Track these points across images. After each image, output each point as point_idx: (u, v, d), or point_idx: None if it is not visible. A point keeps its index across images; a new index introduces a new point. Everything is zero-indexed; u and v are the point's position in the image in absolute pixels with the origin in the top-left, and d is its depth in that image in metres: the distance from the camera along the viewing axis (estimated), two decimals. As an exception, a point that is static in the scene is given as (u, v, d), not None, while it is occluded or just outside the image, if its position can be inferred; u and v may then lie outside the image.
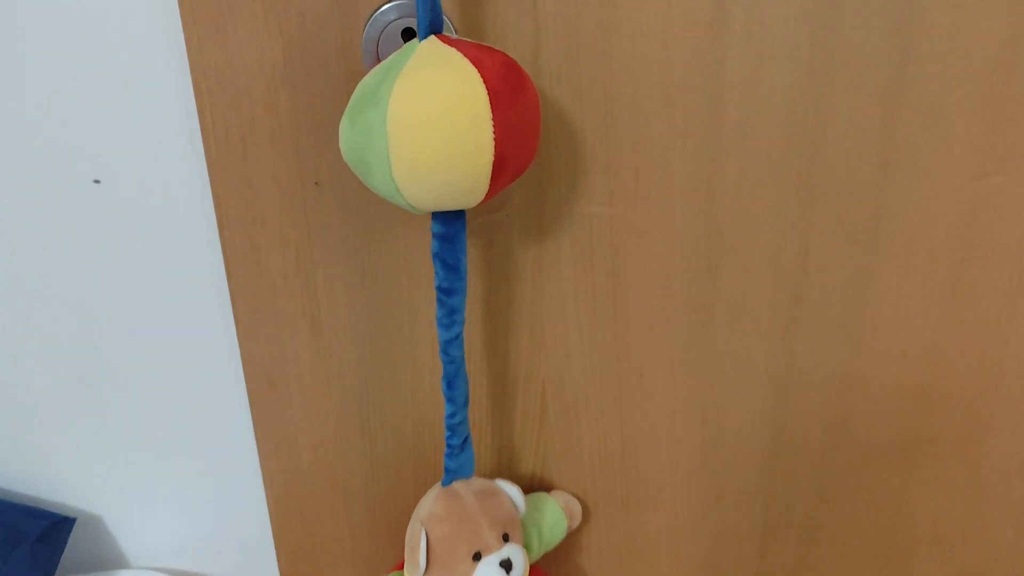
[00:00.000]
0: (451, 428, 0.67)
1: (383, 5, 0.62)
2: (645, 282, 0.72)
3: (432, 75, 0.53)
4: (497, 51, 0.56)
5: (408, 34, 0.63)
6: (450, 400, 0.66)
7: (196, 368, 0.80)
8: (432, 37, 0.56)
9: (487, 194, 0.56)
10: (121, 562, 0.91)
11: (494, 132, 0.53)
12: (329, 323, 0.74)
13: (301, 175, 0.69)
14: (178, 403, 0.82)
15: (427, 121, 0.52)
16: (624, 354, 0.74)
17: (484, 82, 0.53)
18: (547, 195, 0.69)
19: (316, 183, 0.69)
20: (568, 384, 0.76)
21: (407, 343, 0.75)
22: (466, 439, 0.69)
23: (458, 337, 0.64)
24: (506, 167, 0.55)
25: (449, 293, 0.62)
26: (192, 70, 0.66)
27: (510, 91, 0.54)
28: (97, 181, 0.73)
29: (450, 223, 0.60)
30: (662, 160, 0.67)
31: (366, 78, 0.57)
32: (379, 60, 0.63)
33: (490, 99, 0.53)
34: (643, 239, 0.70)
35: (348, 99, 0.66)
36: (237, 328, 0.75)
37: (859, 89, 0.63)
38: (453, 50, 0.54)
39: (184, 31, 0.65)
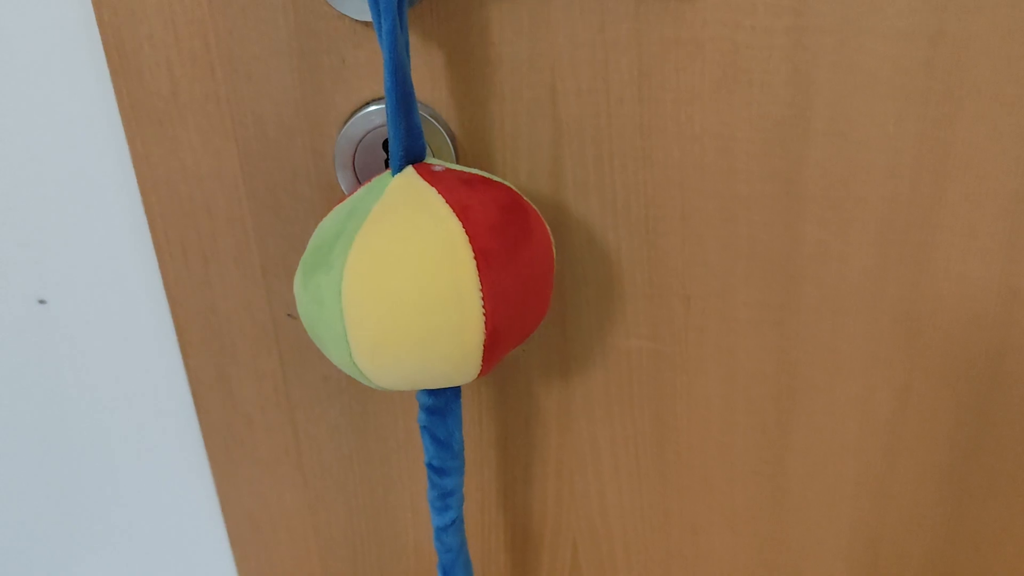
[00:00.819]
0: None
1: (359, 110, 0.49)
2: (700, 428, 0.57)
3: (399, 231, 0.40)
4: (494, 185, 0.43)
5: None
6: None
7: (171, 508, 0.69)
8: (409, 170, 0.42)
9: (480, 372, 0.42)
10: None
11: (483, 303, 0.40)
12: (314, 468, 0.62)
13: (270, 305, 0.56)
14: (154, 546, 0.71)
15: (391, 296, 0.39)
16: (674, 509, 0.61)
17: (469, 239, 0.40)
18: (573, 326, 0.55)
19: (288, 315, 0.56)
20: (604, 541, 0.62)
21: (407, 492, 0.62)
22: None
23: (454, 523, 0.51)
24: (502, 340, 0.42)
25: (441, 473, 0.49)
26: (139, 178, 0.53)
27: (506, 246, 0.41)
28: (43, 301, 0.61)
29: (439, 393, 0.47)
30: (720, 286, 0.53)
31: (326, 221, 0.43)
32: (356, 177, 0.50)
33: (477, 262, 0.40)
34: (696, 378, 0.56)
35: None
36: (211, 465, 0.63)
37: (978, 203, 0.48)
38: (432, 191, 0.41)
39: (126, 133, 0.53)
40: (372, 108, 0.49)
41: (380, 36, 0.40)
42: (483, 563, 0.64)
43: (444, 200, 0.41)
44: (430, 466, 0.49)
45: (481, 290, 0.40)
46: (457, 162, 0.50)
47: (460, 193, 0.41)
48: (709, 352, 0.55)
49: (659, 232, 0.52)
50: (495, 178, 0.44)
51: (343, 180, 0.50)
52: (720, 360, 0.55)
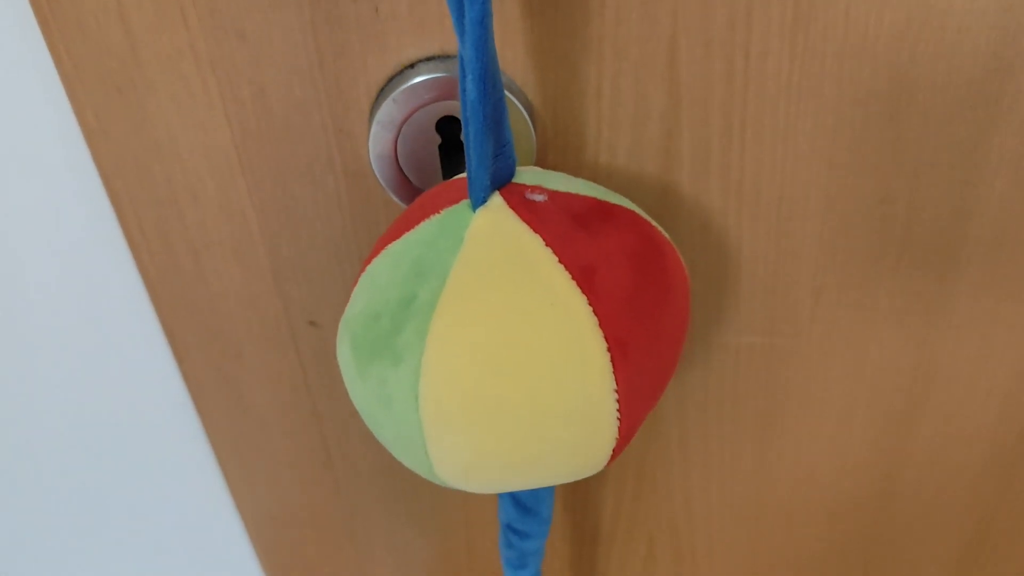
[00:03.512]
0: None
1: (400, 76, 0.35)
2: (812, 424, 0.48)
3: (501, 319, 0.28)
4: (616, 218, 0.30)
5: (449, 130, 0.36)
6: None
7: (182, 511, 0.59)
8: (498, 202, 0.29)
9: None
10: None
11: (618, 406, 0.29)
12: (347, 474, 0.52)
13: (287, 312, 0.44)
14: (167, 547, 0.61)
15: (492, 410, 0.28)
16: (770, 502, 0.52)
17: (600, 325, 0.28)
18: (672, 323, 0.44)
19: (311, 323, 0.44)
20: (685, 535, 0.54)
21: (460, 502, 0.52)
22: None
23: (537, 580, 0.41)
24: (634, 433, 0.31)
25: (523, 536, 0.39)
26: (96, 160, 0.39)
27: (645, 320, 0.29)
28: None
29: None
30: (862, 275, 0.42)
31: (380, 270, 0.31)
32: (400, 168, 0.37)
33: (612, 356, 0.28)
34: (816, 373, 0.46)
35: (348, 222, 0.40)
36: (221, 467, 0.53)
37: None
38: (538, 243, 0.28)
39: (71, 103, 0.38)
40: (420, 76, 0.34)
41: (461, 26, 0.26)
42: (545, 559, 0.56)
43: (558, 260, 0.28)
44: (508, 527, 0.39)
45: (616, 391, 0.28)
46: (536, 137, 0.37)
47: (578, 246, 0.28)
48: (836, 346, 0.45)
49: (794, 217, 0.40)
50: (613, 197, 0.32)
51: (382, 171, 0.37)
52: (847, 354, 0.45)
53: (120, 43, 0.36)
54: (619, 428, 0.29)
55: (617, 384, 0.28)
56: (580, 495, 0.52)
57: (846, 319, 0.43)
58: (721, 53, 0.35)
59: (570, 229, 0.29)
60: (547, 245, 0.28)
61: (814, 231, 0.40)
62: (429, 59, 0.35)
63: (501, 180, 0.30)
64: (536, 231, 0.29)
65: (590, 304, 0.28)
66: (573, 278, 0.28)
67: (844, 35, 0.35)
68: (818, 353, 0.45)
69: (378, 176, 0.37)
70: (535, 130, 0.36)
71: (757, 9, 0.34)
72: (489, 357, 0.27)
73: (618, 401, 0.28)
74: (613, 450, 0.30)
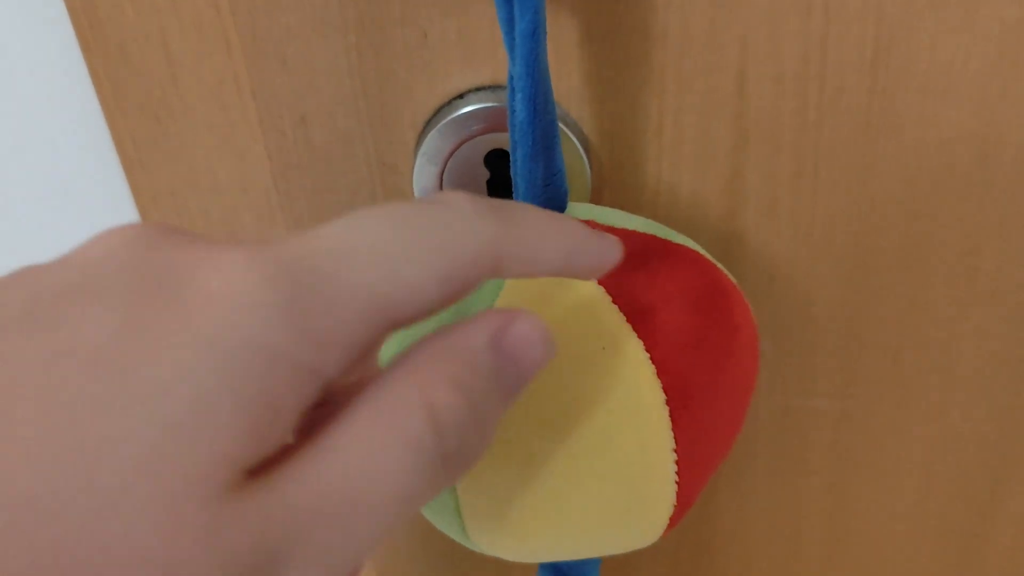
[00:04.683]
0: None
1: (448, 106, 0.33)
2: (887, 497, 0.44)
3: (550, 367, 0.25)
4: (676, 256, 0.28)
5: (498, 164, 0.34)
6: None
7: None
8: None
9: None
10: None
11: (677, 468, 0.25)
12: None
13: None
14: None
15: (536, 470, 0.25)
16: (837, 584, 0.48)
17: (658, 374, 0.25)
18: (734, 381, 0.41)
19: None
20: (744, 616, 0.50)
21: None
22: None
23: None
24: (693, 500, 0.28)
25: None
26: (134, 191, 0.38)
27: (708, 371, 0.26)
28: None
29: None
30: (946, 336, 0.38)
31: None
32: (446, 206, 0.35)
33: (671, 409, 0.25)
34: (891, 441, 0.42)
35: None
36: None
37: None
38: (599, 291, 0.26)
39: (111, 132, 0.37)
40: (469, 105, 0.33)
41: (511, 39, 0.24)
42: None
43: (611, 299, 0.25)
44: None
45: (675, 450, 0.25)
46: (591, 174, 0.34)
47: (635, 285, 0.26)
48: (914, 413, 0.41)
49: (870, 268, 0.36)
50: (673, 235, 0.29)
51: (425, 208, 0.35)
52: (926, 422, 0.41)
53: (161, 69, 0.34)
54: (677, 494, 0.26)
55: (676, 442, 0.25)
56: (629, 569, 0.49)
57: (926, 383, 0.40)
58: (793, 87, 0.32)
59: (625, 267, 0.26)
60: (600, 284, 0.26)
61: (891, 284, 0.37)
62: (479, 89, 0.33)
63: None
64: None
65: (647, 349, 0.25)
66: (628, 319, 0.25)
67: (928, 70, 0.32)
68: (894, 420, 0.41)
69: (422, 212, 0.35)
70: (590, 167, 0.34)
71: (833, 40, 0.31)
72: (532, 407, 0.25)
73: (677, 463, 0.25)
74: (669, 519, 0.27)
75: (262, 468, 0.16)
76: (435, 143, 0.33)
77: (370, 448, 0.16)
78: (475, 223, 0.19)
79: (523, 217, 0.20)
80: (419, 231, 0.18)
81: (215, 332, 0.15)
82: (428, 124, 0.34)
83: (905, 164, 0.34)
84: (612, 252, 0.23)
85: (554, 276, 0.22)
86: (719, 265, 0.29)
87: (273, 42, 0.33)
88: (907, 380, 0.40)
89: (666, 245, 0.28)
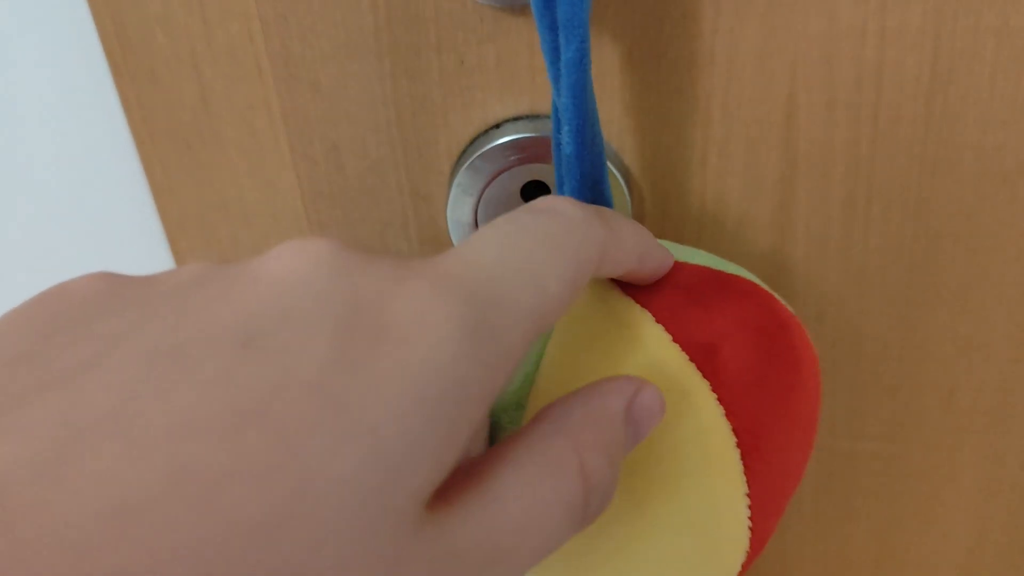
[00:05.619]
0: None
1: (485, 135, 0.32)
2: (937, 552, 0.42)
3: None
4: (733, 289, 0.26)
5: (535, 196, 0.33)
6: None
7: None
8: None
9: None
10: None
11: (750, 511, 0.24)
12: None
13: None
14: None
15: (600, 522, 0.23)
16: (884, 635, 0.45)
17: (727, 416, 0.23)
18: (778, 422, 0.39)
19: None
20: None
21: None
22: None
23: None
24: (764, 544, 0.26)
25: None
26: (163, 217, 0.37)
27: (776, 409, 0.24)
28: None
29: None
30: (1001, 378, 0.36)
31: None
32: (481, 238, 0.33)
33: (742, 453, 0.23)
34: (944, 488, 0.40)
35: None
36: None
37: None
38: (647, 320, 0.24)
39: (140, 157, 0.36)
40: (506, 136, 0.31)
41: (556, 69, 0.23)
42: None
43: (672, 338, 0.24)
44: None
45: (748, 494, 0.24)
46: (632, 206, 0.33)
47: (694, 321, 0.24)
48: (967, 458, 0.39)
49: (925, 306, 0.35)
50: (727, 266, 0.28)
51: (460, 240, 0.33)
52: (981, 468, 0.39)
53: (193, 94, 0.34)
54: (751, 539, 0.24)
55: (749, 486, 0.23)
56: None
57: (981, 426, 0.38)
58: (846, 116, 0.31)
59: (683, 302, 0.25)
60: (658, 321, 0.24)
61: (947, 323, 0.35)
62: (517, 118, 0.32)
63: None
64: (644, 306, 0.25)
65: (713, 390, 0.23)
66: (692, 359, 0.24)
67: (989, 100, 0.30)
68: (946, 465, 0.39)
69: (455, 245, 0.34)
70: (631, 198, 0.33)
71: (889, 67, 0.30)
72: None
73: (750, 507, 0.24)
74: (742, 566, 0.25)
75: (435, 502, 0.16)
76: (471, 174, 0.32)
77: (533, 503, 0.17)
78: (588, 230, 0.21)
79: (617, 220, 0.22)
80: (554, 245, 0.19)
81: (417, 370, 0.16)
82: (464, 154, 0.32)
83: (963, 198, 0.32)
84: (669, 257, 0.25)
85: (623, 275, 0.24)
86: (775, 294, 0.28)
87: (305, 67, 0.32)
88: (961, 423, 0.38)
89: (719, 276, 0.27)
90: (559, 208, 0.21)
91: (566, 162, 0.24)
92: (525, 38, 0.30)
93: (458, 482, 0.17)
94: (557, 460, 0.18)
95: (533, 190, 0.33)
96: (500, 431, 0.25)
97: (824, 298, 0.35)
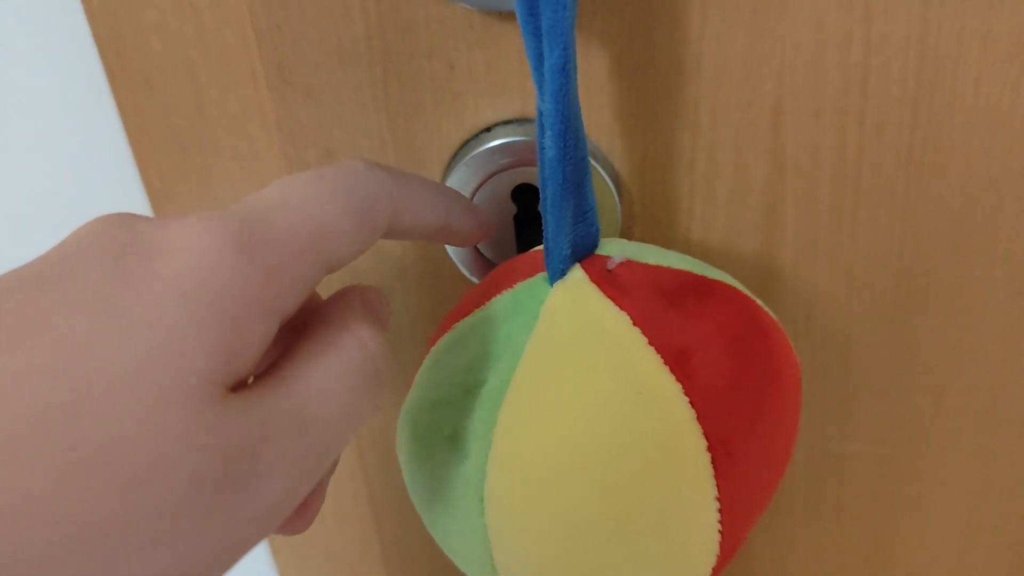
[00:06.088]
0: None
1: (475, 139, 0.32)
2: (929, 551, 0.42)
3: (581, 413, 0.24)
4: (710, 292, 0.27)
5: (526, 199, 0.33)
6: None
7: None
8: (578, 275, 0.26)
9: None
10: None
11: (720, 516, 0.24)
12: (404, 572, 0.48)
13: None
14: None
15: (570, 520, 0.24)
16: (877, 635, 0.46)
17: (698, 419, 0.24)
18: (769, 423, 0.39)
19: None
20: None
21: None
22: None
23: None
24: (735, 550, 0.26)
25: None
26: (156, 213, 0.38)
27: (749, 414, 0.25)
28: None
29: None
30: (992, 379, 0.37)
31: (444, 350, 0.28)
32: (475, 248, 0.34)
33: (713, 456, 0.24)
34: (934, 489, 0.40)
35: (414, 297, 0.37)
36: (275, 561, 0.50)
37: None
38: (624, 322, 0.25)
39: (136, 162, 0.37)
40: (496, 139, 0.32)
41: (540, 74, 0.23)
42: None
43: (647, 341, 0.24)
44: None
45: (718, 498, 0.24)
46: (621, 210, 0.33)
47: (671, 326, 0.25)
48: (958, 459, 0.39)
49: (913, 308, 0.35)
50: (710, 272, 0.28)
51: (460, 260, 0.34)
52: (971, 468, 0.39)
53: (188, 100, 0.34)
54: (720, 544, 0.25)
55: (719, 490, 0.24)
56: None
57: (971, 427, 0.38)
58: (832, 121, 0.31)
59: (661, 307, 0.25)
60: (635, 324, 0.25)
61: (936, 325, 0.35)
62: (507, 122, 0.32)
63: (583, 251, 0.27)
64: (622, 308, 0.25)
65: (686, 393, 0.24)
66: (665, 362, 0.24)
67: (974, 105, 0.31)
68: (937, 466, 0.39)
69: (447, 247, 0.34)
70: (620, 202, 0.33)
71: (875, 72, 0.30)
72: (566, 455, 0.24)
73: (720, 511, 0.24)
74: (712, 569, 0.25)
75: (239, 388, 0.20)
76: (462, 177, 0.32)
77: (326, 374, 0.21)
78: (372, 175, 0.24)
79: (410, 177, 0.26)
80: (332, 186, 0.23)
81: (183, 276, 0.19)
82: (455, 158, 0.33)
83: (950, 202, 0.32)
84: (487, 222, 0.29)
85: (436, 236, 0.27)
86: (758, 301, 0.28)
87: (299, 74, 0.32)
88: (951, 424, 0.38)
89: (702, 282, 0.27)
90: (346, 163, 0.24)
91: (549, 165, 0.24)
92: (514, 44, 0.31)
93: (267, 371, 0.21)
94: (337, 338, 0.22)
95: (524, 192, 0.33)
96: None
97: (813, 301, 0.35)
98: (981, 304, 0.35)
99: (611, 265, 0.26)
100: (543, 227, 0.26)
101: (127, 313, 0.18)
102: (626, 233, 0.34)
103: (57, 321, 0.18)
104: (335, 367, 0.21)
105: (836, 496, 0.41)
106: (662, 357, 0.24)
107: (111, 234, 0.20)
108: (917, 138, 0.31)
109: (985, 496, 0.40)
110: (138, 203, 0.38)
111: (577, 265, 0.26)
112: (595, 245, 0.27)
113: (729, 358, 0.25)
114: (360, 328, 0.22)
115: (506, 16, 0.30)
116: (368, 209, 0.23)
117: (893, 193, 0.33)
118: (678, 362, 0.24)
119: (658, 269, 0.27)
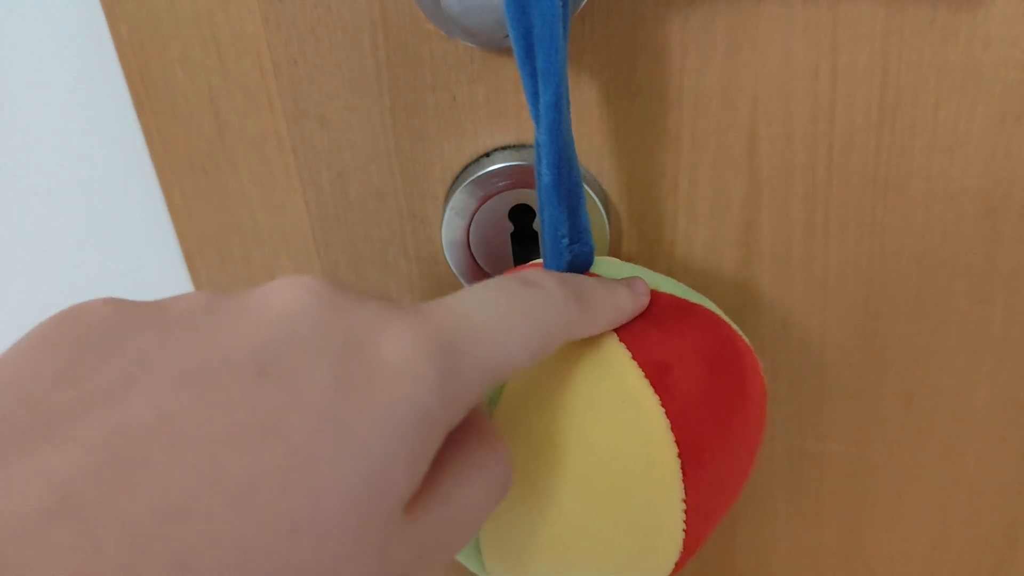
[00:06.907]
0: None
1: (476, 164, 0.35)
2: (902, 541, 0.45)
3: (567, 416, 0.27)
4: (693, 317, 0.29)
5: (522, 218, 0.36)
6: None
7: None
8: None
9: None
10: None
11: (685, 517, 0.27)
12: None
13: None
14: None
15: (551, 509, 0.26)
16: (856, 626, 0.48)
17: (672, 428, 0.26)
18: (751, 425, 0.42)
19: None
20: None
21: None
22: None
23: None
24: (698, 549, 0.29)
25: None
26: (180, 238, 0.40)
27: (718, 425, 0.27)
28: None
29: None
30: (958, 382, 0.39)
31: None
32: (472, 255, 0.36)
33: (682, 462, 0.26)
34: (907, 487, 0.43)
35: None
36: None
37: None
38: (609, 334, 0.27)
39: (160, 183, 0.39)
40: (495, 163, 0.35)
41: (536, 110, 0.26)
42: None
43: (631, 355, 0.27)
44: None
45: (684, 500, 0.27)
46: (610, 228, 0.36)
47: (653, 343, 0.27)
48: (928, 458, 0.42)
49: (882, 316, 0.38)
50: (692, 296, 0.31)
51: (453, 257, 0.37)
52: (941, 467, 0.42)
53: (209, 126, 0.37)
54: (684, 541, 0.27)
55: (686, 493, 0.26)
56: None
57: (940, 428, 0.41)
58: (803, 145, 0.34)
59: (646, 325, 0.28)
60: (621, 340, 0.27)
61: (904, 332, 0.38)
62: (504, 148, 0.35)
63: (578, 269, 0.29)
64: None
65: (663, 405, 0.26)
66: (647, 376, 0.27)
67: (933, 130, 0.34)
68: (909, 465, 0.42)
69: (450, 262, 0.37)
70: (609, 221, 0.36)
71: (841, 102, 0.33)
72: (552, 453, 0.26)
73: (685, 512, 0.27)
74: (675, 564, 0.28)
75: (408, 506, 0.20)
76: (463, 198, 0.35)
77: (468, 500, 0.22)
78: (563, 311, 0.24)
79: (596, 303, 0.26)
80: (525, 314, 0.23)
81: (398, 403, 0.19)
82: (456, 180, 0.36)
83: (913, 217, 0.35)
84: (637, 311, 0.28)
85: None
86: (733, 325, 0.31)
87: (313, 103, 0.35)
88: (921, 425, 0.41)
89: (685, 306, 0.30)
90: (544, 284, 0.24)
91: (545, 191, 0.27)
92: (511, 77, 0.33)
93: (421, 488, 0.21)
94: (481, 461, 0.22)
95: (520, 212, 0.36)
96: None
97: (789, 310, 0.38)
98: (945, 312, 0.37)
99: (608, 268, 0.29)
100: (541, 247, 0.29)
101: (350, 431, 0.19)
102: (615, 248, 0.37)
103: (288, 429, 0.18)
104: (482, 490, 0.22)
105: (814, 493, 0.44)
106: (643, 370, 0.27)
107: (333, 322, 0.20)
108: (882, 160, 0.34)
109: (954, 492, 0.43)
110: (161, 220, 0.41)
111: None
112: (590, 263, 0.30)
113: (704, 375, 0.27)
114: (498, 443, 0.23)
115: (504, 52, 0.33)
116: (548, 343, 0.24)
117: (861, 210, 0.35)
118: (658, 376, 0.27)
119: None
